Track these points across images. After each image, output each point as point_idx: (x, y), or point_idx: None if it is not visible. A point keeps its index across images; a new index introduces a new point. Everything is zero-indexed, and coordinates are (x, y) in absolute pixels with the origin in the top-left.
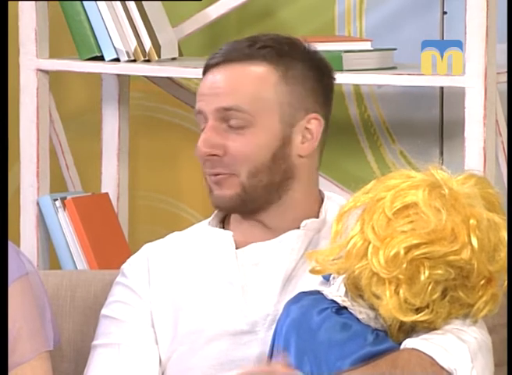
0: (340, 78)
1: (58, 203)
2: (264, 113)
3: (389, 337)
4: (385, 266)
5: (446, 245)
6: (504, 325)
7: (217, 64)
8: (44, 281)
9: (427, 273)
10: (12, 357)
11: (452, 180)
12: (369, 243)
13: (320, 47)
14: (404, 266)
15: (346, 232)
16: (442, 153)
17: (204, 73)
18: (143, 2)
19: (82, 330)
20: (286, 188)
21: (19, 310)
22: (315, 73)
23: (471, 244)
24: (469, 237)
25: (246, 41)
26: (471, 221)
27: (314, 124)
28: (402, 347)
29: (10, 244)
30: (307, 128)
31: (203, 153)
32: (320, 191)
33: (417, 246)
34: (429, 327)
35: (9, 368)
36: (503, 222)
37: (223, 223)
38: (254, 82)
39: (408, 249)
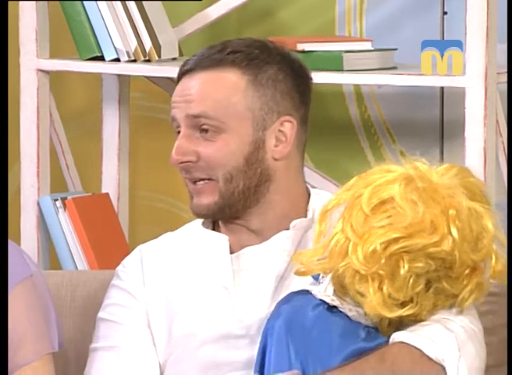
0: (340, 78)
1: (58, 203)
2: (233, 119)
3: (380, 334)
4: (364, 262)
5: (425, 237)
6: (504, 325)
7: (188, 71)
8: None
9: (406, 266)
10: (15, 359)
11: (431, 171)
12: (350, 241)
13: (320, 47)
14: (383, 261)
15: (330, 231)
16: (442, 153)
17: (178, 79)
18: (143, 2)
19: (82, 329)
20: (263, 192)
21: (23, 312)
22: (288, 75)
23: (452, 234)
24: (449, 227)
25: (218, 46)
26: (451, 211)
27: (288, 127)
28: (390, 341)
29: (14, 246)
30: (280, 130)
31: (174, 160)
32: (307, 188)
33: (395, 240)
34: (416, 320)
35: (12, 370)
36: (484, 210)
37: (215, 223)
38: (223, 88)
39: (386, 244)
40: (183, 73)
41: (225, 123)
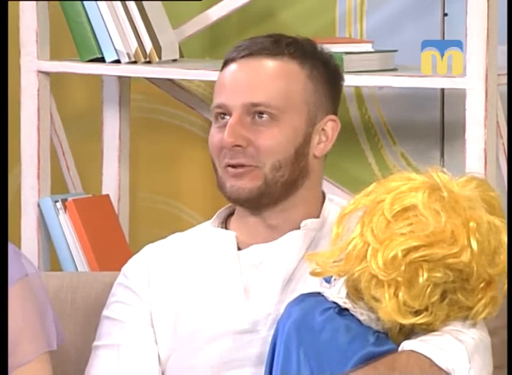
0: None
1: (58, 205)
2: (291, 110)
3: (390, 339)
4: (384, 268)
5: (445, 248)
6: (504, 327)
7: (242, 57)
8: (44, 283)
9: (425, 275)
10: (13, 359)
11: (453, 182)
12: (369, 245)
13: None
14: (403, 268)
15: (347, 234)
16: (442, 155)
17: (225, 65)
18: (143, 4)
19: (83, 331)
20: (298, 186)
21: (19, 312)
22: (332, 76)
23: (471, 246)
24: (469, 239)
25: (268, 37)
26: (471, 224)
27: (330, 126)
28: (400, 349)
29: (10, 246)
30: (323, 129)
31: (228, 143)
32: (322, 193)
33: (416, 248)
34: (428, 329)
35: (9, 370)
36: (503, 225)
37: (225, 223)
38: (285, 78)
39: (407, 252)
40: (233, 59)
41: (283, 112)
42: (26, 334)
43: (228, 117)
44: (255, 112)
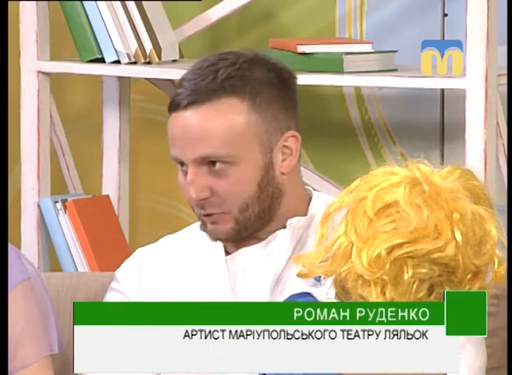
0: (341, 80)
1: (58, 205)
2: (242, 149)
3: None
4: (369, 267)
5: (429, 242)
6: (504, 328)
7: (184, 106)
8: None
9: (410, 272)
10: (14, 362)
11: (435, 174)
12: (353, 245)
13: (321, 49)
14: (388, 266)
15: (333, 233)
16: (442, 155)
17: (170, 111)
18: (143, 4)
19: None
20: (276, 208)
21: (21, 314)
22: (280, 89)
23: (455, 239)
24: (453, 232)
25: (208, 71)
26: (455, 215)
27: (291, 141)
28: None
29: (12, 248)
30: (285, 146)
31: (193, 200)
32: (309, 191)
33: (399, 246)
34: None
35: (11, 372)
36: (488, 214)
37: None
38: (227, 121)
39: (391, 249)
40: (177, 108)
41: (236, 156)
42: (28, 337)
43: (186, 165)
44: (209, 162)
